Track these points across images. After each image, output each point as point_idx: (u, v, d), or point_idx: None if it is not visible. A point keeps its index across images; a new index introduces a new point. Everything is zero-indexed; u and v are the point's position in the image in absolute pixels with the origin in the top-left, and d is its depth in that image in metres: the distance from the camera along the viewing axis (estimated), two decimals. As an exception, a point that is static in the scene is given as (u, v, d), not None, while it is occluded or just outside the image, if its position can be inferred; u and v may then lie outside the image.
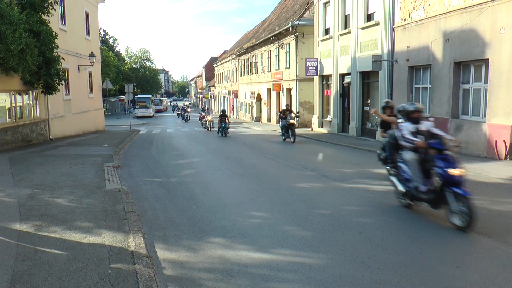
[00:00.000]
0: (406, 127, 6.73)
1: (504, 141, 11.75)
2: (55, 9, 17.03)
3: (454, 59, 13.55)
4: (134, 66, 73.23)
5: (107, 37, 64.29)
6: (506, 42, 11.54)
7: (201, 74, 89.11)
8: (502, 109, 11.82)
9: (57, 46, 16.87)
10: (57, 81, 16.86)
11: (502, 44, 11.68)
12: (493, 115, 12.13)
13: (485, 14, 12.19)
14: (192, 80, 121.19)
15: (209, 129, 27.35)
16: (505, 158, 11.77)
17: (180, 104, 74.70)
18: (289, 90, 29.72)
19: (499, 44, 11.76)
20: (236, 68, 47.45)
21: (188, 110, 44.40)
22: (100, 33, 43.60)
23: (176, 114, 55.65)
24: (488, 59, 12.23)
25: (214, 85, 68.20)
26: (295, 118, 20.13)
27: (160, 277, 4.58)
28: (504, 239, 5.57)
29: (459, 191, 5.94)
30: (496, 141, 12.01)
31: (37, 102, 18.71)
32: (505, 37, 11.57)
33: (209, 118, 27.41)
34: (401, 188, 7.04)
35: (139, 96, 56.38)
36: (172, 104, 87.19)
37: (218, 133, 23.17)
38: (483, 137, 12.51)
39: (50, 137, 19.47)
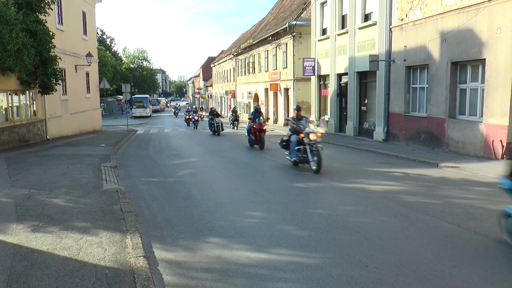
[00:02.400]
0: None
1: (500, 140, 11.79)
2: (52, 9, 16.97)
3: (451, 59, 13.59)
4: (132, 66, 73.23)
5: (104, 37, 64.28)
6: (502, 42, 11.58)
7: (199, 74, 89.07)
8: (498, 109, 11.86)
9: (54, 46, 16.83)
10: (54, 81, 16.81)
11: (498, 44, 11.72)
12: (490, 115, 12.17)
13: (482, 14, 12.22)
14: (189, 80, 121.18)
15: (314, 165, 10.80)
16: (502, 158, 11.81)
17: (182, 104, 69.57)
18: (286, 90, 29.74)
19: (496, 44, 11.80)
20: (234, 68, 47.44)
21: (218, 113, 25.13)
22: (97, 33, 43.56)
23: (185, 120, 34.52)
24: (485, 59, 12.26)
25: (211, 85, 68.18)
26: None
27: (158, 277, 4.57)
28: (500, 238, 5.59)
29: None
30: (493, 140, 12.04)
31: (34, 102, 18.66)
32: (501, 37, 11.61)
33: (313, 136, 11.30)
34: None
35: (136, 96, 56.29)
36: (176, 105, 60.24)
37: None
38: (480, 137, 12.55)
39: (47, 137, 19.41)
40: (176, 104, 66.46)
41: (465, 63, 13.37)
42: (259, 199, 8.09)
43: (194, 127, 30.29)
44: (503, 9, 11.54)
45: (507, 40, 11.44)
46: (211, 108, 26.48)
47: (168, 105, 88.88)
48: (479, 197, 7.92)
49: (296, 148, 11.44)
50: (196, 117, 30.58)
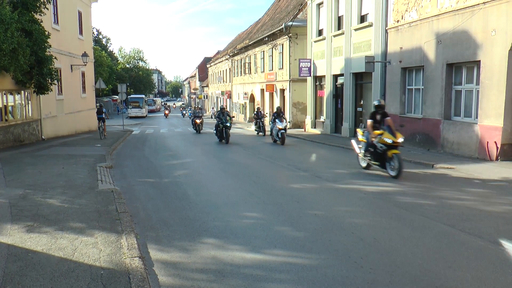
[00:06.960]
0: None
1: (495, 142, 11.86)
2: (47, 8, 16.91)
3: (446, 60, 13.66)
4: (127, 66, 72.97)
5: (100, 36, 63.99)
6: (497, 44, 11.65)
7: (195, 74, 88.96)
8: (493, 110, 11.93)
9: (50, 46, 16.75)
10: (49, 81, 16.75)
11: (493, 46, 11.79)
12: (484, 117, 12.24)
13: (477, 16, 12.29)
14: (185, 80, 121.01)
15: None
16: (496, 159, 11.88)
17: (176, 104, 63.77)
18: (282, 90, 29.77)
19: (491, 46, 11.87)
20: (230, 69, 47.43)
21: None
22: (93, 32, 43.35)
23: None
24: (480, 60, 12.33)
25: (207, 86, 68.13)
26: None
27: (153, 277, 4.56)
28: (494, 239, 5.62)
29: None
30: (487, 142, 12.11)
31: (29, 101, 18.58)
32: (496, 39, 11.68)
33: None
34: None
35: (132, 96, 56.15)
36: (180, 107, 47.15)
37: None
38: (474, 138, 12.61)
39: (42, 137, 19.33)
40: (185, 107, 47.60)
41: (460, 64, 13.43)
42: (255, 199, 8.09)
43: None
44: (498, 12, 11.61)
45: (502, 42, 11.51)
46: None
47: (173, 106, 70.34)
48: (474, 198, 7.96)
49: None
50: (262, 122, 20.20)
